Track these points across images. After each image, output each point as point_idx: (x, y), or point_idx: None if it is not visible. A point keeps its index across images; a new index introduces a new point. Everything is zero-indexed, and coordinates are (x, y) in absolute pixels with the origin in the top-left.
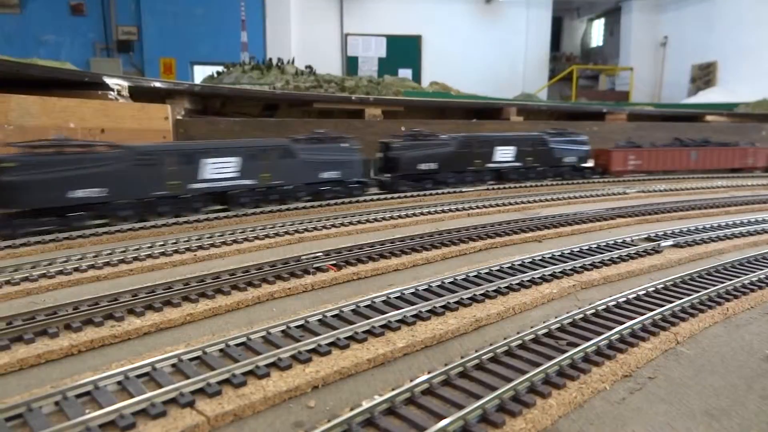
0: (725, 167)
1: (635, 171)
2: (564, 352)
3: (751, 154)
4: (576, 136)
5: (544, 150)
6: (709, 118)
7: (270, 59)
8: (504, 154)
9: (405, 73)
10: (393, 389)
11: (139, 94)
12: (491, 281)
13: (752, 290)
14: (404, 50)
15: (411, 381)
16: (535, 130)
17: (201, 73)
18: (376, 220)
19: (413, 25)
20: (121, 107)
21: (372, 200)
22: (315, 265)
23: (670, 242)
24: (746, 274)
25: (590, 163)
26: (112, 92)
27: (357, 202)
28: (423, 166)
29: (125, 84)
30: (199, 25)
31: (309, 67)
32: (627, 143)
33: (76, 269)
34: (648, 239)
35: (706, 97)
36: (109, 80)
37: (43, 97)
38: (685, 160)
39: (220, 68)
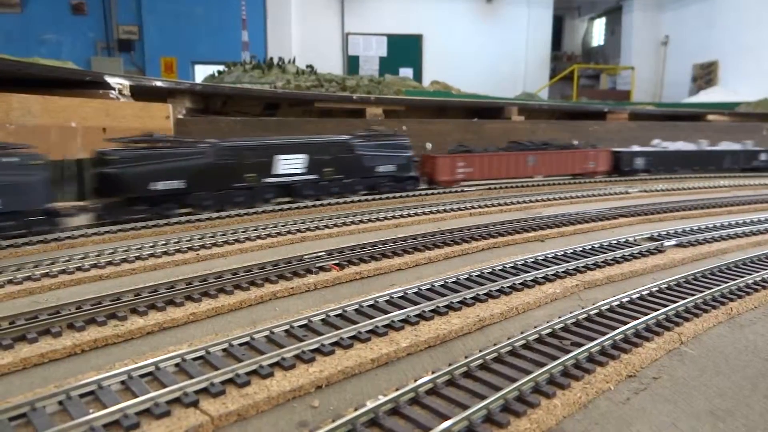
0: (564, 173)
1: (466, 180)
2: (568, 352)
3: (592, 158)
4: (394, 139)
5: (351, 158)
6: (710, 117)
7: (271, 58)
8: (291, 165)
9: (406, 72)
10: (397, 389)
11: (140, 93)
12: (494, 281)
13: (756, 290)
14: (405, 49)
15: (415, 381)
16: (345, 134)
17: (202, 73)
18: (377, 219)
19: (414, 24)
20: (123, 106)
21: (374, 199)
22: (318, 265)
23: (673, 242)
24: (750, 274)
25: (415, 172)
26: (113, 91)
27: (359, 201)
28: (161, 186)
29: (127, 83)
30: (200, 25)
31: (310, 66)
32: (458, 147)
33: (79, 268)
34: (651, 239)
35: (707, 96)
36: (110, 79)
37: (44, 96)
38: (522, 166)
39: (221, 67)
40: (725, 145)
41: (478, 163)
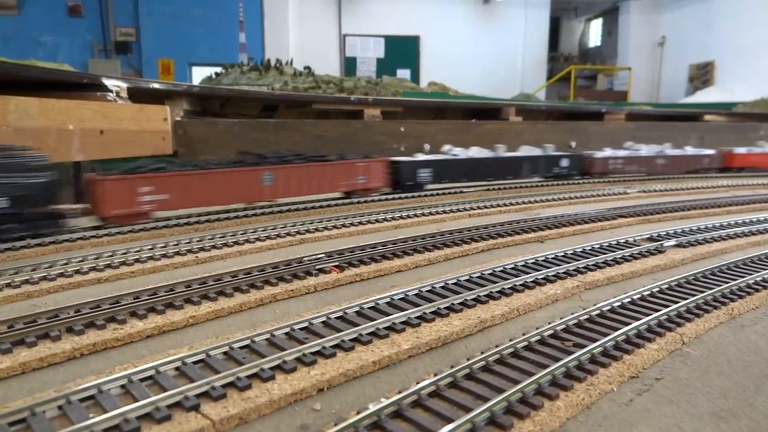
0: (319, 192)
1: (157, 210)
2: (570, 353)
3: (362, 171)
4: (9, 156)
5: None
6: (707, 117)
7: (268, 60)
8: None
9: (403, 73)
10: (399, 392)
11: (137, 95)
12: (495, 282)
13: (757, 290)
14: (402, 51)
15: (417, 383)
16: None
17: (199, 74)
18: (377, 221)
19: (411, 25)
20: (120, 108)
21: (373, 201)
22: (317, 267)
23: (672, 242)
24: (750, 274)
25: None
26: (110, 94)
27: (358, 203)
28: None
29: (124, 85)
30: (198, 26)
31: (307, 67)
32: (151, 164)
33: (77, 271)
34: (650, 239)
35: (704, 96)
36: (107, 81)
37: (42, 98)
38: (255, 187)
39: (219, 69)
40: (525, 151)
41: (177, 185)
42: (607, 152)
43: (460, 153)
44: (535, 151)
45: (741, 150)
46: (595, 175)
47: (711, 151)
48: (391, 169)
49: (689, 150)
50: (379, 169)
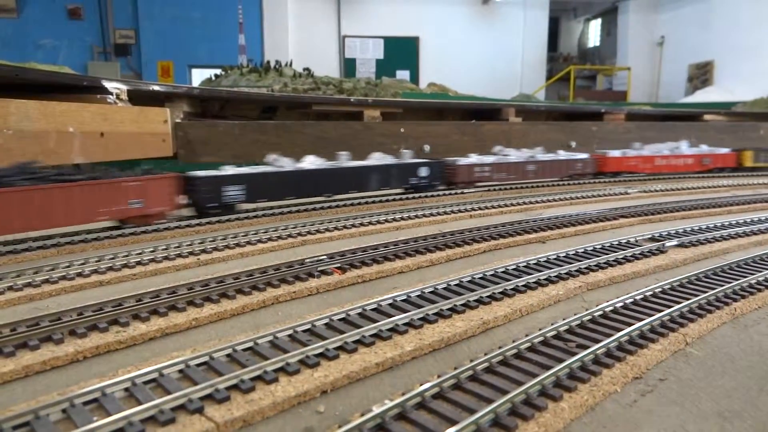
0: (64, 223)
1: None
2: (574, 354)
3: (137, 192)
4: None
5: None
6: (706, 117)
7: (268, 62)
8: None
9: (403, 74)
10: (403, 393)
11: (137, 97)
12: (497, 283)
13: (759, 290)
14: (402, 52)
15: (421, 385)
16: None
17: (199, 76)
18: (378, 222)
19: (410, 26)
20: (120, 111)
21: (373, 202)
22: (320, 268)
23: (674, 242)
24: (752, 274)
25: None
26: (111, 96)
27: (358, 204)
28: None
29: (124, 88)
30: (197, 29)
31: (307, 69)
32: None
33: (79, 274)
34: (652, 239)
35: (703, 96)
36: (108, 84)
37: (42, 101)
38: None
39: (218, 71)
40: (375, 159)
41: None
42: (473, 159)
43: (287, 164)
44: (386, 160)
45: (615, 153)
46: (459, 185)
47: (584, 155)
48: (184, 187)
49: (562, 154)
50: (163, 189)
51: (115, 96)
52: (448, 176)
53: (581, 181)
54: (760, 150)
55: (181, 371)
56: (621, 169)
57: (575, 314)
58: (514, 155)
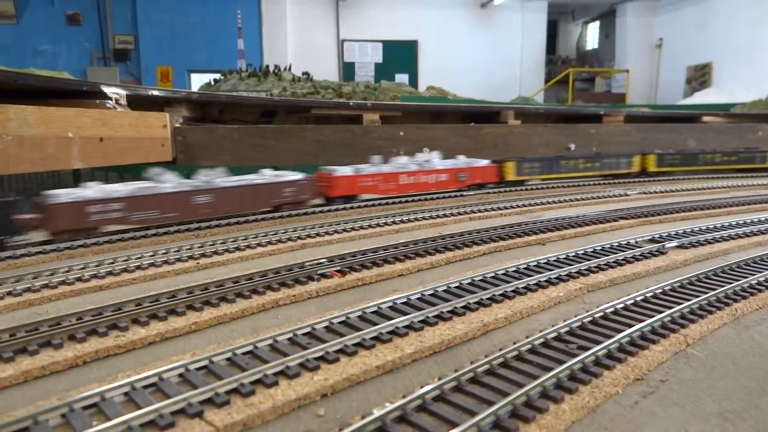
0: None
1: None
2: (575, 355)
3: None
4: None
5: None
6: (706, 118)
7: (267, 66)
8: None
9: (402, 78)
10: (404, 396)
11: (137, 102)
12: (497, 285)
13: (760, 290)
14: (400, 55)
15: (422, 387)
16: None
17: (198, 81)
18: (378, 225)
19: (409, 30)
20: (120, 116)
21: (373, 205)
22: (319, 272)
23: (674, 243)
24: (753, 275)
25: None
26: (110, 101)
27: (358, 207)
28: None
29: (123, 93)
30: (196, 33)
31: (306, 73)
32: None
33: (79, 279)
34: (652, 240)
35: (701, 98)
36: (107, 89)
37: (41, 107)
38: None
39: (217, 76)
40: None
41: None
42: (77, 192)
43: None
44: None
45: (346, 170)
46: (63, 235)
47: (298, 176)
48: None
49: (263, 178)
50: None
51: (114, 101)
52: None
53: (580, 183)
54: (523, 160)
55: (180, 375)
56: (354, 191)
57: (576, 316)
58: (171, 185)
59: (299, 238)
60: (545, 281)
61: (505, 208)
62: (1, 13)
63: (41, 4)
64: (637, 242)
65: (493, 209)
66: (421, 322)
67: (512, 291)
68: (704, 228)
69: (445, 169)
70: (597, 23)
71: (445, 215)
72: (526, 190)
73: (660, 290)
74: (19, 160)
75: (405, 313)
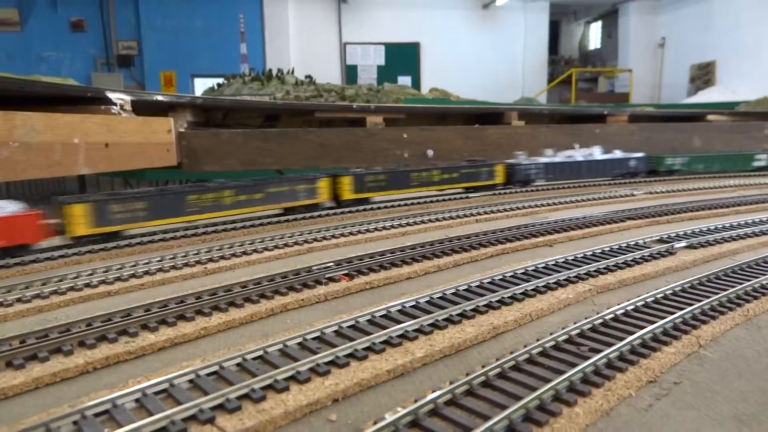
0: None
1: None
2: (586, 358)
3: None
4: None
5: None
6: (710, 117)
7: (270, 70)
8: None
9: (404, 80)
10: (415, 401)
11: (141, 108)
12: (506, 287)
13: None
14: (403, 58)
15: (433, 391)
16: None
17: (201, 86)
18: (384, 228)
19: (411, 32)
20: (125, 121)
21: (378, 208)
22: (327, 276)
23: (683, 243)
24: (764, 274)
25: None
26: (114, 107)
27: (364, 210)
28: None
29: (128, 98)
30: (199, 38)
31: (309, 76)
32: None
33: (87, 285)
34: (661, 241)
35: (705, 96)
36: (111, 95)
37: (46, 113)
38: None
39: (221, 80)
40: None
41: None
42: None
43: None
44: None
45: None
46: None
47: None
48: None
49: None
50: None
51: (119, 107)
52: None
53: (585, 184)
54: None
55: (191, 381)
56: None
57: (586, 318)
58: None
59: (306, 241)
60: (554, 283)
61: (511, 209)
62: (6, 20)
63: (45, 10)
64: (645, 243)
65: (499, 211)
66: (430, 325)
67: (521, 293)
68: (712, 228)
69: None
70: (599, 23)
71: (451, 217)
72: (530, 192)
73: (670, 291)
74: (26, 166)
75: (414, 317)
